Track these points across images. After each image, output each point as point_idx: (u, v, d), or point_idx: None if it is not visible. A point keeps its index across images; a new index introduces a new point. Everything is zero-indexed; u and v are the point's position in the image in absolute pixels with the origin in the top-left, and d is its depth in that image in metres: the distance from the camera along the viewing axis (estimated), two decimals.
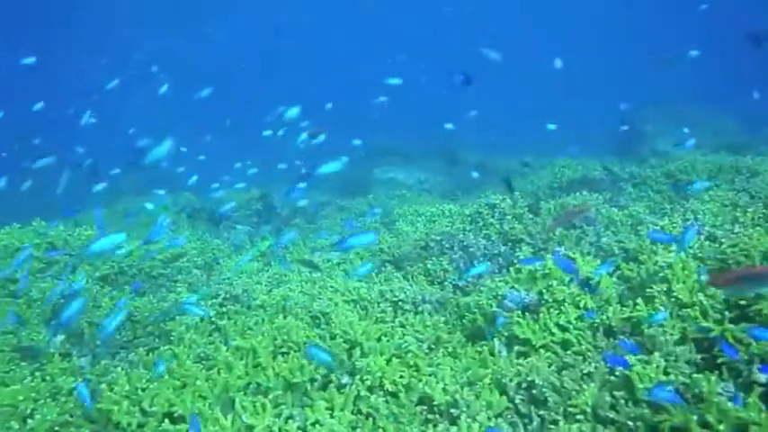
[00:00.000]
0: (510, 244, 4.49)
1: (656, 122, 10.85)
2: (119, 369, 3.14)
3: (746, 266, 2.92)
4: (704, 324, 2.65)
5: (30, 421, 2.85)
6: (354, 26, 30.44)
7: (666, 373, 2.50)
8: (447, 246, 4.47)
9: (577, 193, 5.24)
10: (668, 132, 10.54)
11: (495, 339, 3.16)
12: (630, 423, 2.34)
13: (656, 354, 2.58)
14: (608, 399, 2.45)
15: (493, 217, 4.85)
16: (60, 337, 4.14)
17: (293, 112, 5.02)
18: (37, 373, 3.33)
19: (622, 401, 2.41)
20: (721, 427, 2.12)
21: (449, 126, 9.04)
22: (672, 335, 2.69)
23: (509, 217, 4.76)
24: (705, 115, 11.42)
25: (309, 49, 29.59)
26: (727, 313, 2.63)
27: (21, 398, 3.05)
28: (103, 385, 2.90)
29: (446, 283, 4.09)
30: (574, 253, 3.81)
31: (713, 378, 2.29)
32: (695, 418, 2.17)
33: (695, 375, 2.42)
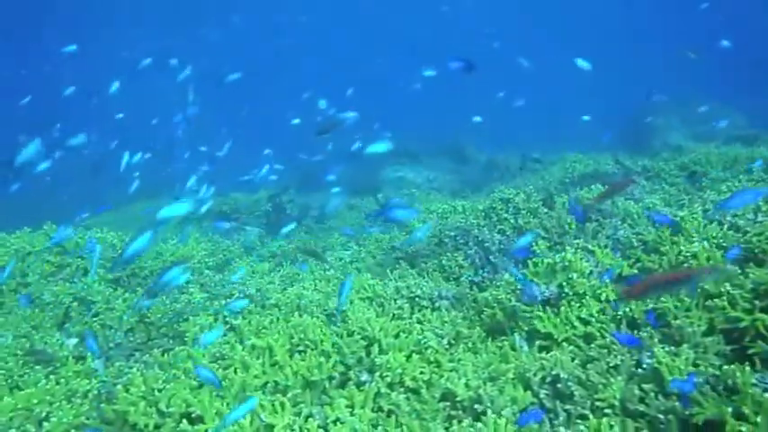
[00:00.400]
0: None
1: (666, 117, 10.74)
2: (134, 370, 3.10)
3: (652, 275, 3.03)
4: (733, 314, 2.58)
5: (45, 424, 2.81)
6: (352, 26, 30.47)
7: (696, 365, 2.43)
8: (462, 241, 4.41)
9: (591, 187, 5.16)
10: (679, 126, 10.46)
11: (516, 334, 3.10)
12: (661, 416, 2.27)
13: (685, 345, 2.52)
14: (637, 392, 2.39)
15: (507, 212, 4.78)
16: (74, 340, 4.11)
17: (323, 103, 4.99)
18: (51, 377, 3.30)
19: (652, 394, 2.35)
20: (758, 418, 2.05)
21: (477, 119, 8.97)
22: (699, 326, 2.62)
23: (523, 212, 4.69)
24: (713, 110, 11.32)
25: (308, 49, 29.65)
26: (757, 302, 2.55)
27: (35, 401, 3.02)
28: (119, 386, 2.86)
29: (462, 278, 4.03)
30: (592, 246, 3.75)
31: (747, 369, 2.22)
32: (730, 410, 2.10)
33: (726, 367, 2.35)
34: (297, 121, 7.43)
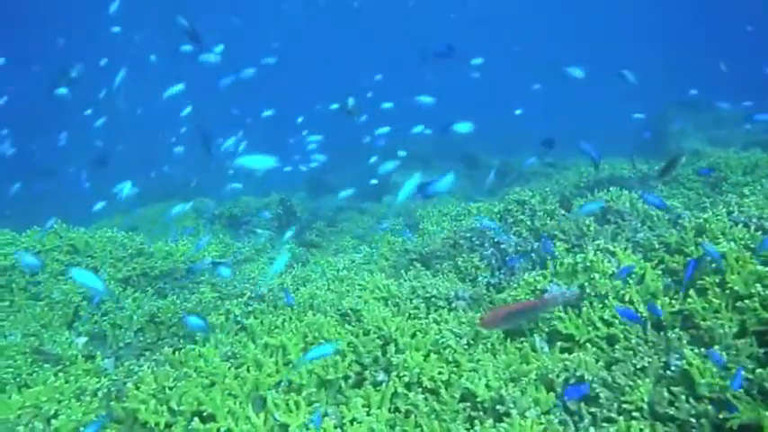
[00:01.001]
0: (543, 240, 4.33)
1: (681, 122, 10.62)
2: (144, 368, 3.03)
3: (508, 305, 3.10)
4: (766, 315, 2.48)
5: (54, 422, 2.75)
6: (354, 33, 30.58)
7: (728, 368, 2.33)
8: (477, 243, 4.32)
9: (610, 189, 5.06)
10: (694, 132, 10.34)
11: (536, 335, 3.02)
12: (693, 420, 2.18)
13: (716, 347, 2.42)
14: (666, 395, 2.29)
15: (523, 213, 4.69)
16: (83, 339, 4.06)
17: (351, 100, 5.02)
18: (60, 375, 3.24)
19: (682, 397, 2.25)
20: None
21: (518, 112, 9.00)
22: (730, 327, 2.52)
23: (540, 213, 4.61)
24: (728, 115, 11.17)
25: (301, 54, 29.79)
26: None
27: (44, 399, 2.96)
28: (129, 384, 2.79)
29: (478, 279, 3.94)
30: (613, 247, 3.65)
31: None
32: None
33: (759, 370, 2.25)
34: (335, 106, 7.37)
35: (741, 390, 2.20)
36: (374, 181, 8.06)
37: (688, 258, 3.00)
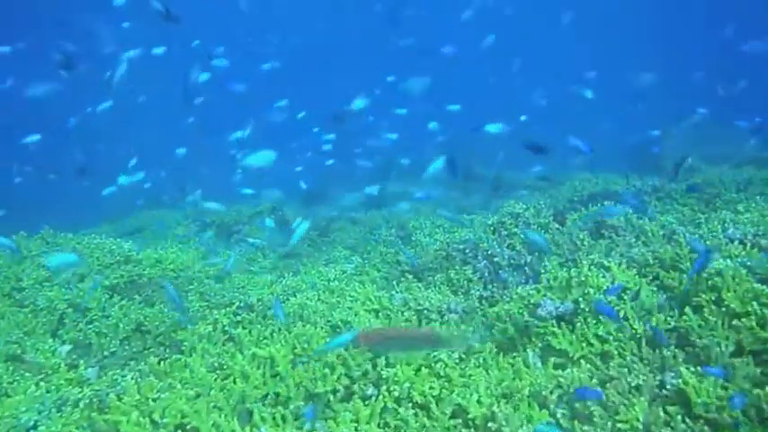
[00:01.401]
0: (536, 254, 4.30)
1: (675, 139, 10.67)
2: (128, 378, 2.95)
3: (396, 329, 3.09)
4: (763, 334, 2.44)
5: None
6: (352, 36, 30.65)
7: (724, 388, 2.29)
8: (471, 255, 4.28)
9: (605, 203, 5.04)
10: (690, 149, 10.37)
11: (529, 350, 2.96)
12: None
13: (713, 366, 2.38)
14: (661, 414, 2.24)
15: (516, 226, 4.66)
16: (67, 347, 3.97)
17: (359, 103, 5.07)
18: (41, 384, 3.16)
19: (678, 417, 2.20)
20: None
21: (523, 118, 9.03)
22: (727, 346, 2.48)
23: (534, 226, 4.57)
24: (722, 132, 11.22)
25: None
26: None
27: (23, 409, 2.87)
28: (112, 395, 2.71)
29: (471, 292, 3.89)
30: (608, 262, 3.61)
31: None
32: None
33: (757, 391, 2.21)
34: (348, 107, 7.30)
35: (738, 411, 2.15)
36: (374, 191, 8.03)
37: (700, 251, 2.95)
